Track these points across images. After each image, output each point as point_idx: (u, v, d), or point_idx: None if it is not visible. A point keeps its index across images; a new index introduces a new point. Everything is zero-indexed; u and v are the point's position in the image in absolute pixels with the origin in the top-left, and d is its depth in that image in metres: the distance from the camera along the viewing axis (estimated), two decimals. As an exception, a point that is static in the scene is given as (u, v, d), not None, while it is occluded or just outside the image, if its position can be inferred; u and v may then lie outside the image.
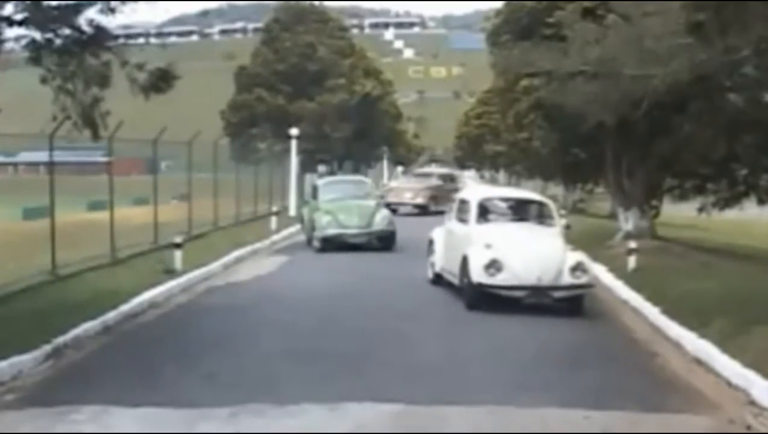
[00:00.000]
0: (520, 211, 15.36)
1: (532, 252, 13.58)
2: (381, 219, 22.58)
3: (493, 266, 13.27)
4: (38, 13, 11.94)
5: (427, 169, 57.36)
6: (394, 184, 46.41)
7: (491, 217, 14.96)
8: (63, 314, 11.43)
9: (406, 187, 39.96)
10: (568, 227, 16.45)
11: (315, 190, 24.61)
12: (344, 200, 23.02)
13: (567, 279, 13.34)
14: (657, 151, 20.84)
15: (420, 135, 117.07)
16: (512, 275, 13.25)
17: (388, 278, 17.25)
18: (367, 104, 49.85)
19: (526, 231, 14.50)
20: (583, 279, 13.51)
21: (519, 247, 13.64)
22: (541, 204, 15.48)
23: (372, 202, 23.51)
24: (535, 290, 13.28)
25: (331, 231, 22.10)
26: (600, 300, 15.09)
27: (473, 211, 14.67)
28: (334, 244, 21.80)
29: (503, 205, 15.55)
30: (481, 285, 13.35)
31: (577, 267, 13.45)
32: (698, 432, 7.62)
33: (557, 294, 13.39)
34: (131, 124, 17.58)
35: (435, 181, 41.42)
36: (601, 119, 18.90)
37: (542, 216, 15.04)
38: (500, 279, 13.26)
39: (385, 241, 22.34)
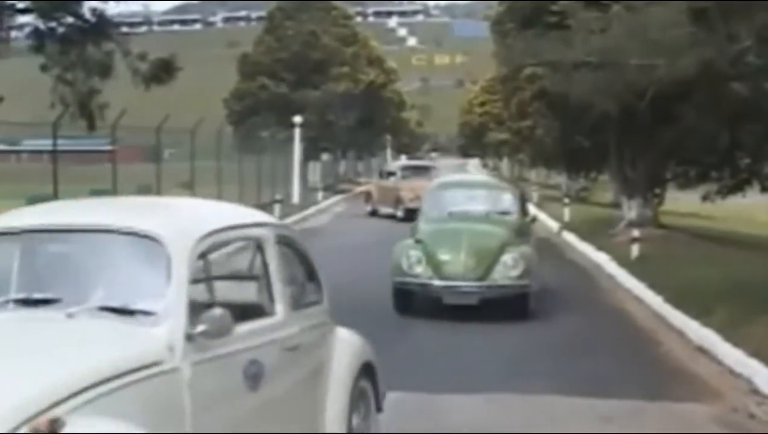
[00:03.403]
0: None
1: None
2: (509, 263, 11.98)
3: None
4: (41, 2, 11.95)
5: (414, 162, 42.79)
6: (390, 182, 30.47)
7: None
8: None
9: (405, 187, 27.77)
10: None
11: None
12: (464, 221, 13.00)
13: None
14: (660, 140, 20.81)
15: (423, 123, 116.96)
16: None
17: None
18: (370, 92, 49.86)
19: None
20: None
21: None
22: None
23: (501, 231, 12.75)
24: None
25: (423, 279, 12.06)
26: (603, 288, 15.10)
27: None
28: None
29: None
30: None
31: None
32: (701, 420, 7.62)
33: None
34: (134, 112, 17.58)
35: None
36: (605, 108, 18.86)
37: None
38: None
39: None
